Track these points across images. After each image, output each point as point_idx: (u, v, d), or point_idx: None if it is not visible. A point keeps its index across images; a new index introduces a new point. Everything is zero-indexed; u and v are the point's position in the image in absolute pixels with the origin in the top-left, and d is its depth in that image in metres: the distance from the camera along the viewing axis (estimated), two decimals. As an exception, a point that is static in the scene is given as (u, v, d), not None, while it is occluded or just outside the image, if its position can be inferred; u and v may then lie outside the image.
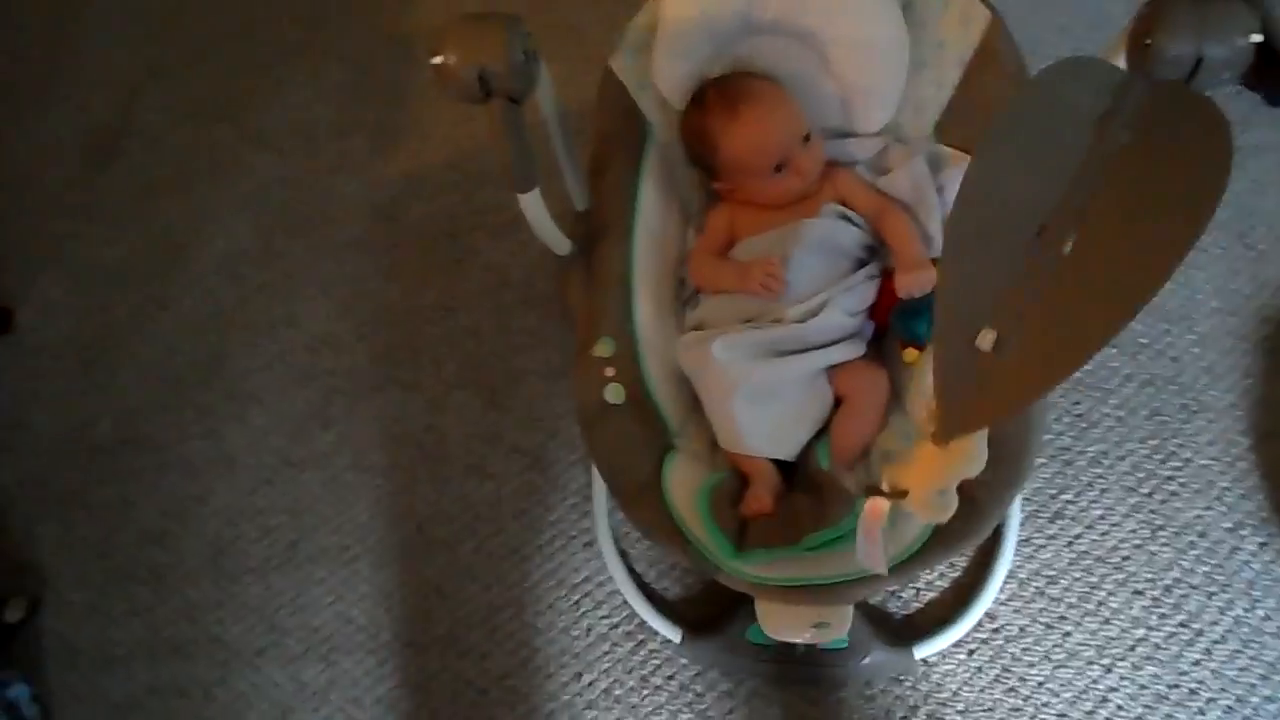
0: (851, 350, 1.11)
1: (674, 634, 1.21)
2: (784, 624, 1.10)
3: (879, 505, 0.78)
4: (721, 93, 1.15)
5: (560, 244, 1.10)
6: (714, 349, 1.07)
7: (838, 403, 1.11)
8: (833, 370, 1.11)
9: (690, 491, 1.02)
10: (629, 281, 1.12)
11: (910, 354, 1.12)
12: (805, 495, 1.02)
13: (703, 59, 1.19)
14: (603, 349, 1.07)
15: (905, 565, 0.92)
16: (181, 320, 1.63)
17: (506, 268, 1.58)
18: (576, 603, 1.29)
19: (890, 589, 1.24)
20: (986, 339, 0.61)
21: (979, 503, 0.89)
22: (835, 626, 1.07)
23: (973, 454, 0.72)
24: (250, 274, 1.65)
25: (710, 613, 1.23)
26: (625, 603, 1.26)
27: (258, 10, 2.01)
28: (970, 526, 0.90)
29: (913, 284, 1.07)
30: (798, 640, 1.12)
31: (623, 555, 1.29)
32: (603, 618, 1.27)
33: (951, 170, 1.14)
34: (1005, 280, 0.62)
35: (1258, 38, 0.77)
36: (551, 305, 1.52)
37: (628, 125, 1.19)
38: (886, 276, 1.15)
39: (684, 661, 1.23)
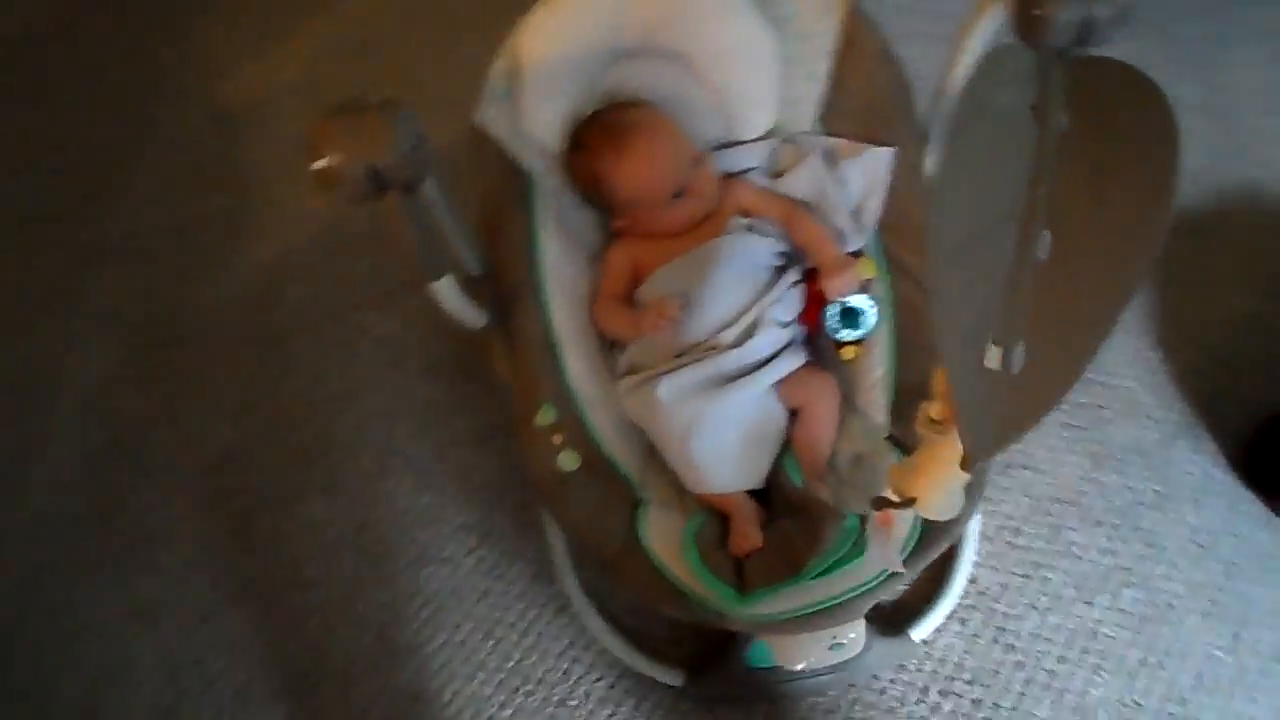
0: (793, 360, 1.10)
1: (675, 678, 1.17)
2: (799, 652, 1.08)
3: (889, 516, 0.77)
4: (602, 130, 1.11)
5: (475, 319, 1.05)
6: (659, 393, 1.05)
7: (791, 414, 1.11)
8: (780, 385, 1.10)
9: (674, 544, 0.99)
10: (552, 341, 1.07)
11: (848, 351, 1.12)
12: (792, 519, 1.00)
13: (573, 96, 1.14)
14: (545, 417, 1.02)
15: (910, 560, 0.92)
16: (56, 467, 1.48)
17: (401, 339, 1.50)
18: (566, 671, 1.23)
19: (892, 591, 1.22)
20: (993, 358, 0.59)
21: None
22: (851, 642, 1.06)
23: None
24: (128, 402, 1.52)
25: (706, 645, 1.19)
26: (616, 659, 1.21)
27: (78, 114, 1.85)
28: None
29: (841, 286, 1.07)
30: (816, 664, 1.10)
31: (601, 610, 1.24)
32: (597, 680, 1.22)
33: (847, 160, 1.14)
34: (996, 289, 0.60)
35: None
36: (458, 368, 1.45)
37: (510, 179, 1.13)
38: (808, 279, 1.14)
39: (691, 704, 1.19)
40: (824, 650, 1.07)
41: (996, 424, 0.59)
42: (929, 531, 0.92)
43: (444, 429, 1.41)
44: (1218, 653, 1.18)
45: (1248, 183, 1.50)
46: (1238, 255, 1.42)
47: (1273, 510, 1.25)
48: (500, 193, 1.12)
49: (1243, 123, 1.56)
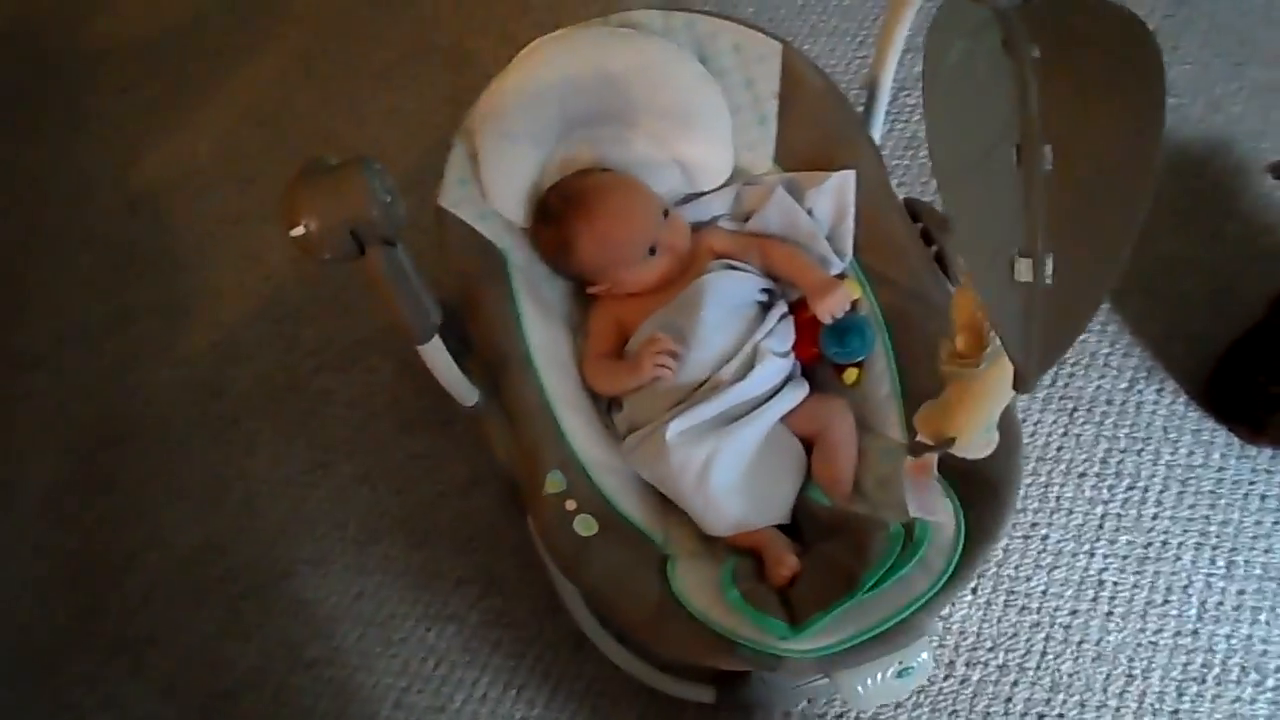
0: (798, 391, 1.09)
1: (706, 695, 1.16)
2: (873, 694, 0.94)
3: (927, 461, 0.76)
4: (568, 200, 1.11)
5: (468, 394, 1.03)
6: (669, 437, 1.02)
7: (807, 447, 1.09)
8: (791, 418, 1.09)
9: (714, 590, 0.94)
10: (550, 408, 1.05)
11: (850, 374, 1.11)
12: (831, 541, 0.97)
13: (534, 170, 1.15)
14: (554, 485, 0.99)
15: (956, 576, 0.90)
16: (19, 582, 1.40)
17: (368, 399, 1.46)
18: (594, 708, 1.21)
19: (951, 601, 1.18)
20: (1024, 269, 0.59)
21: (995, 486, 0.91)
22: (921, 665, 0.93)
23: (1008, 379, 0.71)
24: (88, 506, 1.45)
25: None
26: (642, 686, 1.20)
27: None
28: (999, 512, 0.92)
29: (832, 305, 1.07)
30: (890, 700, 0.99)
31: (619, 638, 1.22)
32: (627, 712, 1.20)
33: (812, 190, 1.15)
34: (1013, 205, 0.61)
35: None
36: (434, 419, 1.43)
37: (482, 256, 1.12)
38: (794, 310, 1.15)
39: (726, 718, 1.19)
40: (893, 680, 0.94)
41: (1042, 336, 0.59)
42: (969, 543, 0.91)
43: (430, 483, 1.38)
44: (1217, 581, 1.23)
45: (1170, 131, 1.57)
46: (1171, 204, 1.48)
47: (1239, 437, 1.30)
48: (475, 271, 1.11)
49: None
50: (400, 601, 1.30)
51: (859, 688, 0.91)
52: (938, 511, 0.80)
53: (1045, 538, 1.26)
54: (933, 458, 0.76)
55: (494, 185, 1.12)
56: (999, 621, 1.22)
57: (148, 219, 1.74)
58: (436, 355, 0.94)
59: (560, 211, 1.11)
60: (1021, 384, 0.61)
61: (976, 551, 0.91)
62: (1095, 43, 0.68)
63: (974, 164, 0.63)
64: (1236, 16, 1.66)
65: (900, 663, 0.92)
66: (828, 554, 0.95)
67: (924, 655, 0.91)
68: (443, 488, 1.37)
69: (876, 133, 1.17)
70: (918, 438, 0.74)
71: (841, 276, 1.13)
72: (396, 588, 1.32)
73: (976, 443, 0.72)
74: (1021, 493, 1.27)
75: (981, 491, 0.92)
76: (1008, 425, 0.89)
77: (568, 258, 1.12)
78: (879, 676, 0.91)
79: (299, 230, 0.78)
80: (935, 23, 0.72)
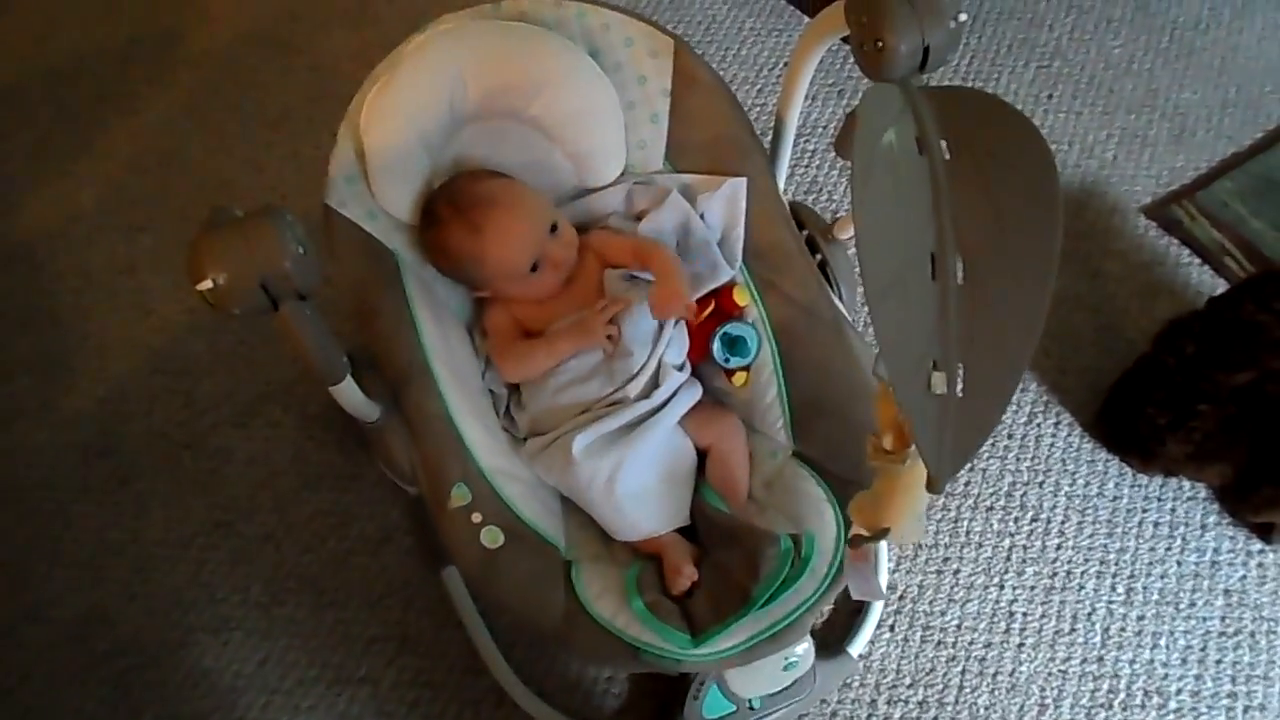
0: (692, 394, 1.13)
1: (631, 747, 1.15)
2: (756, 680, 1.08)
3: (865, 551, 0.79)
4: (454, 206, 1.09)
5: (370, 411, 1.00)
6: (575, 450, 1.03)
7: (701, 454, 1.12)
8: (687, 424, 1.11)
9: (619, 598, 0.98)
10: (451, 418, 1.04)
11: (739, 378, 1.15)
12: (725, 549, 1.01)
13: (424, 169, 1.12)
14: (460, 498, 0.99)
15: (839, 576, 0.96)
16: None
17: (269, 455, 1.40)
18: (518, 769, 1.18)
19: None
20: (939, 381, 0.62)
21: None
22: (803, 656, 1.06)
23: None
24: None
25: (657, 707, 1.17)
26: (568, 743, 1.17)
27: None
28: None
29: (664, 311, 1.09)
30: (773, 689, 1.10)
31: (540, 693, 1.19)
32: (552, 768, 1.17)
33: (704, 196, 1.17)
34: (931, 318, 0.64)
35: (964, 18, 0.86)
36: (339, 475, 1.38)
37: (374, 260, 1.10)
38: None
39: (652, 771, 1.17)
40: (779, 672, 1.07)
41: (953, 443, 0.62)
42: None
43: (338, 540, 1.33)
44: (1117, 608, 1.27)
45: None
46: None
47: (1131, 467, 1.36)
48: (368, 276, 1.08)
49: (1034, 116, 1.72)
50: (309, 665, 1.24)
51: (746, 679, 1.07)
52: (877, 594, 0.82)
53: (957, 572, 1.29)
54: (870, 548, 0.79)
55: (382, 184, 1.08)
56: (916, 658, 1.24)
57: (25, 271, 1.64)
58: (348, 393, 0.93)
59: (446, 219, 1.08)
60: (933, 486, 0.64)
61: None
62: (997, 142, 0.72)
63: (897, 279, 0.67)
64: (1102, 69, 1.78)
65: (786, 657, 1.05)
66: (723, 566, 0.99)
67: (804, 647, 1.05)
68: (351, 544, 1.32)
69: (783, 170, 1.19)
70: (854, 530, 0.77)
71: (731, 285, 1.15)
72: (304, 651, 1.25)
73: (910, 529, 0.75)
74: (933, 528, 1.31)
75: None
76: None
77: (451, 265, 1.11)
78: (766, 669, 1.04)
79: (206, 284, 0.75)
80: (864, 108, 0.74)
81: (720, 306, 1.15)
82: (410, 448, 1.03)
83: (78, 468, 1.42)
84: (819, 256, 1.22)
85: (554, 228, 1.12)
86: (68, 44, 1.92)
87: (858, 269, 1.18)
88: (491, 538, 0.98)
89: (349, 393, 0.93)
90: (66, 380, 1.51)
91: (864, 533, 0.75)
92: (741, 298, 1.15)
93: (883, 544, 1.26)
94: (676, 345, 1.14)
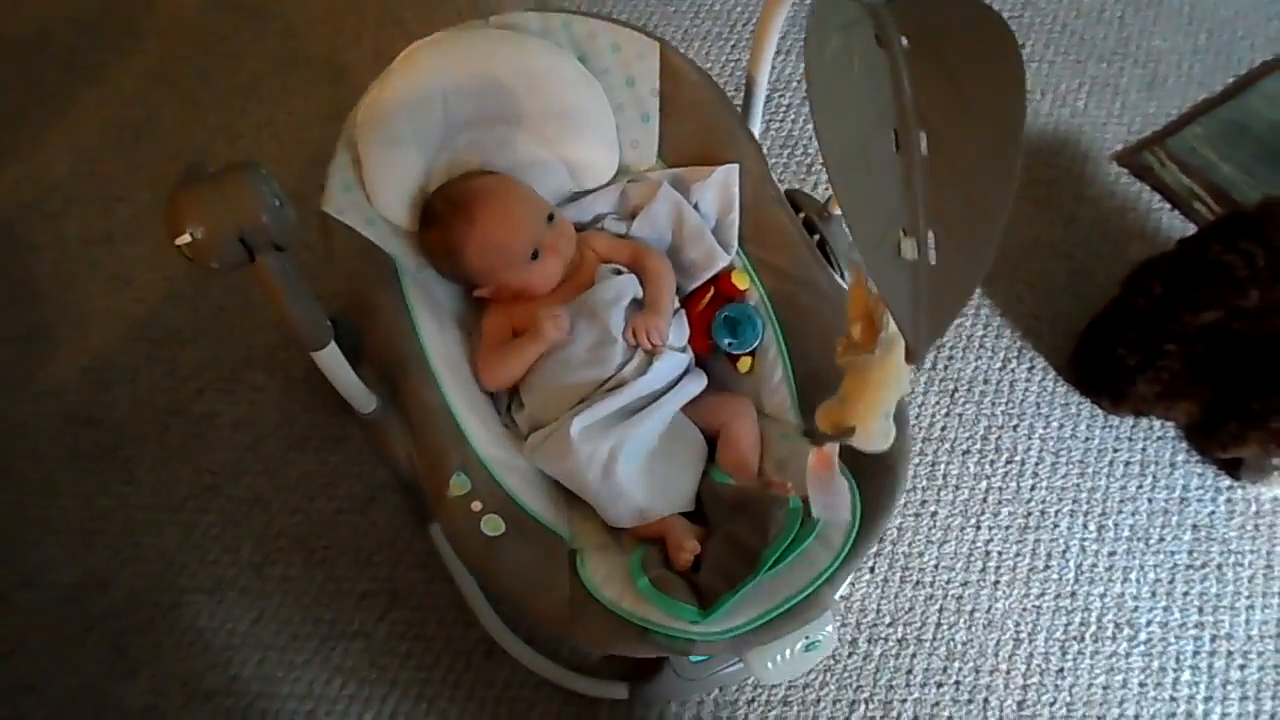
0: (696, 383, 1.12)
1: (619, 691, 1.17)
2: (783, 669, 0.97)
3: (828, 452, 0.78)
4: (452, 203, 1.11)
5: (366, 401, 1.01)
6: (573, 433, 1.03)
7: (708, 437, 1.12)
8: (696, 412, 1.12)
9: (624, 580, 0.95)
10: (450, 410, 1.04)
11: (744, 363, 1.15)
12: (733, 521, 0.99)
13: (419, 174, 1.14)
14: (459, 487, 0.98)
15: (855, 549, 0.93)
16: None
17: (255, 419, 1.42)
18: (510, 713, 1.20)
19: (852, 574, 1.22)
20: (909, 248, 0.62)
21: (887, 462, 0.93)
22: (826, 638, 0.97)
23: (901, 368, 0.73)
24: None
25: (643, 654, 1.20)
26: (559, 688, 1.20)
27: None
28: (891, 486, 0.95)
29: (638, 337, 1.10)
30: (799, 673, 1.00)
31: (530, 640, 1.21)
32: (543, 715, 1.20)
33: (697, 185, 1.18)
34: (896, 188, 0.64)
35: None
36: (326, 437, 1.39)
37: (372, 262, 1.11)
38: (685, 305, 1.17)
39: (641, 713, 1.20)
40: (801, 654, 0.98)
41: (929, 310, 0.61)
42: (864, 517, 0.94)
43: (326, 499, 1.34)
44: (1090, 544, 1.31)
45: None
46: (1029, 193, 1.58)
47: (1102, 408, 1.39)
48: (367, 276, 1.09)
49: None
50: (302, 622, 1.27)
51: (769, 664, 0.94)
52: (842, 511, 0.82)
53: (934, 514, 1.32)
54: (833, 449, 0.78)
55: (379, 190, 1.10)
56: (896, 597, 1.27)
57: (2, 244, 1.64)
58: (333, 361, 0.92)
59: (444, 215, 1.10)
60: (911, 355, 0.63)
61: (872, 525, 0.94)
62: (959, 34, 0.72)
63: (857, 152, 0.66)
64: (1073, 18, 1.79)
65: (807, 637, 0.95)
66: (731, 534, 0.97)
67: (828, 629, 0.94)
68: (340, 504, 1.34)
69: (755, 128, 1.20)
70: (818, 429, 0.76)
71: (729, 269, 1.16)
72: (297, 608, 1.28)
73: (876, 432, 0.73)
74: (911, 471, 1.34)
75: (874, 467, 0.95)
76: (898, 407, 0.94)
77: (452, 261, 1.12)
78: (787, 652, 0.94)
79: (185, 238, 0.75)
80: (811, 20, 0.75)
81: (720, 292, 1.15)
82: (407, 439, 1.02)
83: (64, 437, 1.42)
84: (817, 236, 1.23)
85: (550, 218, 1.13)
86: (35, 14, 1.90)
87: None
88: (492, 526, 0.96)
89: (336, 365, 0.93)
90: (49, 351, 1.51)
91: (828, 432, 0.74)
92: (741, 281, 1.15)
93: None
94: (677, 329, 1.14)
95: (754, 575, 0.89)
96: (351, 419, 1.15)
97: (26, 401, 1.46)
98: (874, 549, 1.28)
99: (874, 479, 0.96)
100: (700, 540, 1.00)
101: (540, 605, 0.94)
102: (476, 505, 0.97)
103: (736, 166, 1.16)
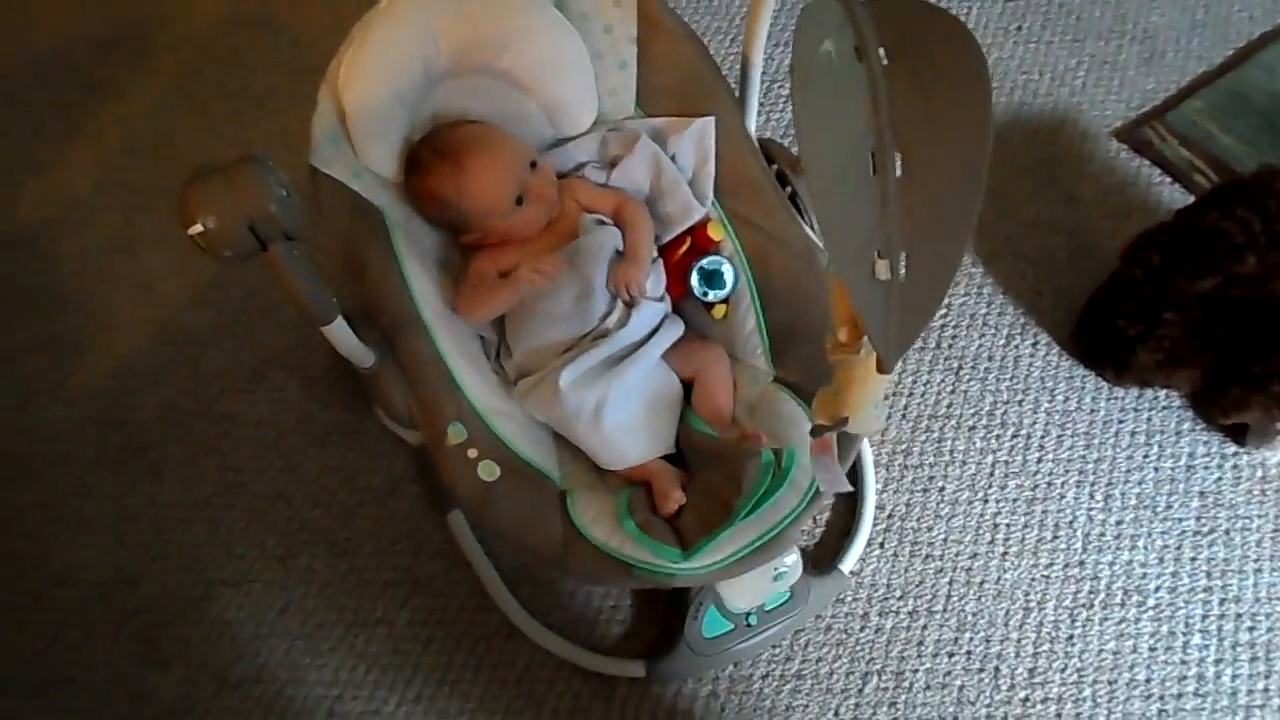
0: (675, 329, 1.18)
1: (637, 670, 1.20)
2: (747, 592, 1.14)
3: (827, 440, 0.83)
4: (436, 151, 1.14)
5: (365, 356, 1.05)
6: (562, 382, 1.09)
7: (687, 384, 1.17)
8: (671, 359, 1.16)
9: (612, 521, 1.04)
10: (444, 361, 1.09)
11: (718, 311, 1.20)
12: (711, 469, 1.07)
13: (403, 125, 1.17)
14: (456, 436, 1.05)
15: (819, 492, 1.01)
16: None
17: (276, 417, 1.45)
18: (530, 694, 1.23)
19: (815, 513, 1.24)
20: (882, 269, 0.66)
21: None
22: (791, 568, 1.13)
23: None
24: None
25: (660, 630, 1.23)
26: (577, 668, 1.23)
27: None
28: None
29: (617, 285, 1.15)
30: (764, 599, 1.16)
31: (549, 624, 1.25)
32: (563, 694, 1.23)
33: (674, 137, 1.21)
34: (873, 211, 0.68)
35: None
36: (345, 431, 1.43)
37: (361, 216, 1.14)
38: (662, 254, 1.22)
39: (658, 689, 1.22)
40: (769, 583, 1.14)
41: (898, 326, 0.66)
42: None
43: (347, 492, 1.38)
44: (1097, 514, 1.32)
45: (1022, 105, 1.69)
46: (1031, 172, 1.59)
47: (1106, 380, 1.41)
48: (356, 232, 1.12)
49: (1004, 48, 1.76)
50: (327, 610, 1.30)
51: (740, 592, 1.14)
52: (842, 485, 0.86)
53: (942, 489, 1.34)
54: (832, 437, 0.83)
55: (365, 143, 1.12)
56: (906, 571, 1.29)
57: (27, 257, 1.69)
58: (340, 333, 0.97)
59: (429, 164, 1.13)
60: (881, 367, 0.71)
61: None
62: (934, 49, 0.75)
63: (838, 174, 0.70)
64: (1072, -3, 1.80)
65: (775, 568, 1.13)
66: (709, 484, 1.05)
67: (793, 559, 1.13)
68: (360, 496, 1.38)
69: (752, 113, 1.23)
70: (817, 421, 0.81)
71: (705, 221, 1.20)
72: (322, 598, 1.31)
73: (867, 419, 0.79)
74: (919, 449, 1.37)
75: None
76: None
77: (439, 208, 1.16)
78: (757, 581, 1.12)
79: (197, 228, 0.80)
80: (801, 23, 0.78)
81: (696, 243, 1.20)
82: (406, 392, 1.08)
83: (92, 441, 1.47)
84: (789, 189, 1.26)
85: (534, 165, 1.16)
86: (52, 34, 1.95)
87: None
88: (488, 471, 1.04)
89: (341, 335, 0.97)
90: (76, 358, 1.56)
91: (826, 423, 0.79)
92: (716, 232, 1.20)
93: (868, 459, 1.33)
94: (655, 279, 1.19)
95: (729, 523, 0.98)
96: (368, 413, 1.19)
97: (57, 407, 1.51)
98: (882, 525, 1.32)
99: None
100: (682, 485, 1.08)
101: (535, 542, 1.03)
102: (473, 453, 1.04)
103: (713, 119, 1.20)
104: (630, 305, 1.17)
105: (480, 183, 1.13)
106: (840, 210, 0.70)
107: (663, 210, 1.23)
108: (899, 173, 0.69)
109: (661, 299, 1.20)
